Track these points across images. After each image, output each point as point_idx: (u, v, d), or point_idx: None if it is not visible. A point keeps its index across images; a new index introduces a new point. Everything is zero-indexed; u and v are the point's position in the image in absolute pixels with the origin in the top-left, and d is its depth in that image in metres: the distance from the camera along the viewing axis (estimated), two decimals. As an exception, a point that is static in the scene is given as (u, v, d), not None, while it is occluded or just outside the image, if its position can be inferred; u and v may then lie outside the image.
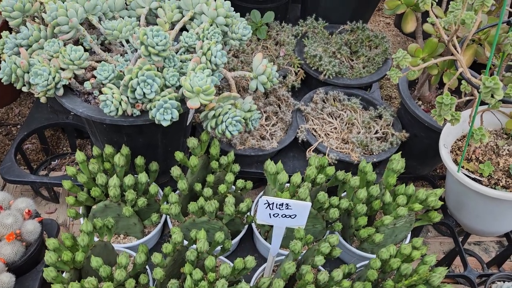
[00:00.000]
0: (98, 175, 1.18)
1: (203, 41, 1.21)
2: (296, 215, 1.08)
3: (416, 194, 1.20)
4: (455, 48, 1.15)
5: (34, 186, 1.54)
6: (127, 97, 1.09)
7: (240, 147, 1.44)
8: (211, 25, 1.27)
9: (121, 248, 1.26)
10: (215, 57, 1.17)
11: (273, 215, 1.08)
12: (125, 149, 1.23)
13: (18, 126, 1.81)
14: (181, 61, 1.22)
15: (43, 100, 1.38)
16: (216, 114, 1.15)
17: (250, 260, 1.06)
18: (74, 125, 1.64)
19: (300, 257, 1.19)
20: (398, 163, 1.23)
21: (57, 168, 1.69)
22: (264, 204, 1.05)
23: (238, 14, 1.37)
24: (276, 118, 1.57)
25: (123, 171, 1.22)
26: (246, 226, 1.34)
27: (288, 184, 1.22)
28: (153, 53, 1.09)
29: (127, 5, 1.41)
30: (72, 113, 1.63)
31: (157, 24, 1.38)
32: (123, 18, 1.33)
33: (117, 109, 1.08)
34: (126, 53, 1.29)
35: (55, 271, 1.02)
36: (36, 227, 1.24)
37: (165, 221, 1.38)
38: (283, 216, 1.08)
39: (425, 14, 1.45)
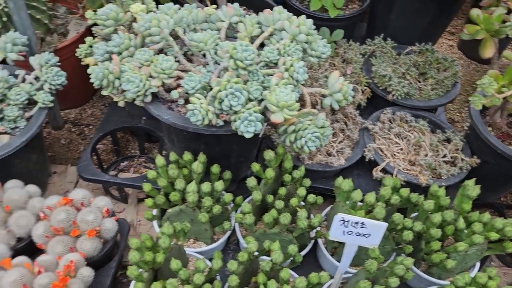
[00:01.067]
0: (177, 181, 1.23)
1: (284, 57, 1.24)
2: (370, 235, 1.09)
3: (492, 223, 1.18)
4: (543, 78, 1.14)
5: (106, 185, 1.62)
6: (214, 107, 1.13)
7: (308, 162, 1.46)
8: (291, 41, 1.31)
9: (191, 252, 1.30)
10: (297, 73, 1.20)
11: (347, 232, 1.09)
12: (202, 157, 1.28)
13: (90, 127, 1.90)
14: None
15: (121, 104, 1.45)
16: (296, 129, 1.17)
17: (325, 276, 1.07)
18: (146, 129, 1.70)
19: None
20: (473, 189, 1.22)
21: (125, 169, 1.76)
22: (340, 221, 1.07)
23: (316, 31, 1.40)
24: (343, 135, 1.58)
25: (199, 178, 1.27)
26: (313, 241, 1.35)
27: (361, 203, 1.23)
28: (241, 67, 1.14)
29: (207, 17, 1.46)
30: (144, 118, 1.70)
31: (235, 38, 1.43)
32: (203, 30, 1.39)
33: (203, 118, 1.12)
34: (208, 64, 1.34)
35: (138, 269, 1.06)
36: (113, 226, 1.30)
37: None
38: (357, 234, 1.09)
39: (503, 41, 1.44)
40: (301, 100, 1.46)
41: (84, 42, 1.57)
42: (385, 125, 1.60)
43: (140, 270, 1.09)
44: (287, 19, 1.33)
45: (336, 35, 1.81)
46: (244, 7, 1.98)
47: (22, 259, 1.19)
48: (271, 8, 1.37)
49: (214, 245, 1.33)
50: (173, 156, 1.32)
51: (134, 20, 1.38)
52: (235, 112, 1.12)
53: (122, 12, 1.32)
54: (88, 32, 1.75)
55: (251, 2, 1.95)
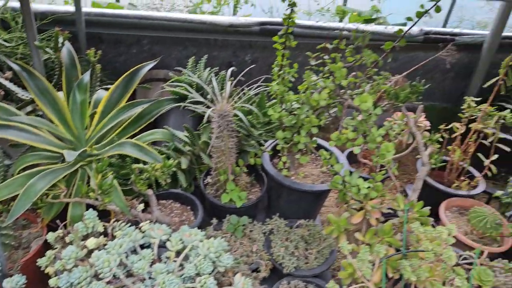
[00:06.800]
0: None
1: (201, 275, 1.79)
2: None
3: None
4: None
5: None
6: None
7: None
8: (204, 258, 1.86)
9: None
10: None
11: None
12: None
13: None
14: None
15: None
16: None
17: None
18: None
19: None
20: None
21: None
22: None
23: (226, 243, 1.96)
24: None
25: None
26: None
27: None
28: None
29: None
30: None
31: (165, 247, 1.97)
32: (141, 246, 1.92)
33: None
34: (145, 279, 1.84)
35: None
36: None
37: None
38: None
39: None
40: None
41: (43, 253, 2.03)
42: (284, 295, 2.15)
43: None
44: (200, 241, 1.91)
45: (243, 220, 2.42)
46: (172, 200, 2.56)
47: None
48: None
49: None
50: None
51: (92, 251, 1.88)
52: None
53: (80, 250, 1.82)
54: (46, 243, 2.20)
55: (177, 195, 2.54)
